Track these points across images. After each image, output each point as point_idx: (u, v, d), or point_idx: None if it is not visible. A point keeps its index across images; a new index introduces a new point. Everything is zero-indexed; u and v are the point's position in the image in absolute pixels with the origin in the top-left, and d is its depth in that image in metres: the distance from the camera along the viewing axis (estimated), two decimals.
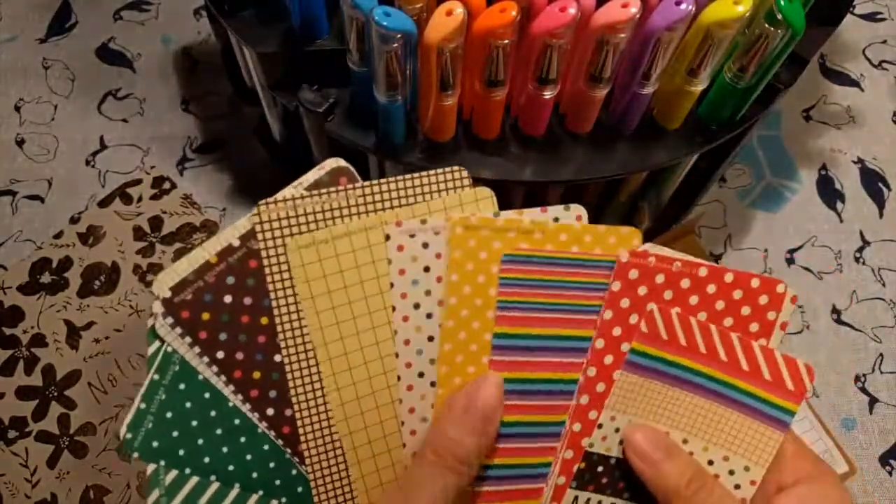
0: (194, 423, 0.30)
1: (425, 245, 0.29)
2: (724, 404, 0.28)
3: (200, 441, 0.30)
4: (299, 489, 0.30)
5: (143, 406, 0.29)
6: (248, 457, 0.30)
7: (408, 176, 0.29)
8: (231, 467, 0.30)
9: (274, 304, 0.29)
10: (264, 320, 0.29)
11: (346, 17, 0.32)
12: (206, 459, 0.30)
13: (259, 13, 0.37)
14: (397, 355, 0.29)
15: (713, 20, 0.31)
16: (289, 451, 0.30)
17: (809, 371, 0.27)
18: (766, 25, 0.32)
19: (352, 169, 0.30)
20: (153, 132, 0.55)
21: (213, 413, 0.30)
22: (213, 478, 0.30)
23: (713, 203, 0.54)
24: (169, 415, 0.29)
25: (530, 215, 0.29)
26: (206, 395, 0.30)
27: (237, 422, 0.30)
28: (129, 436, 0.29)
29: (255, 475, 0.30)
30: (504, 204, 0.29)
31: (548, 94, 0.34)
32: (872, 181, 0.55)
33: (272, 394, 0.30)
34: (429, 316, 0.29)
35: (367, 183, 0.30)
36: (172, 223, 0.51)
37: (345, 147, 0.37)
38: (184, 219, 0.51)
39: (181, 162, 0.54)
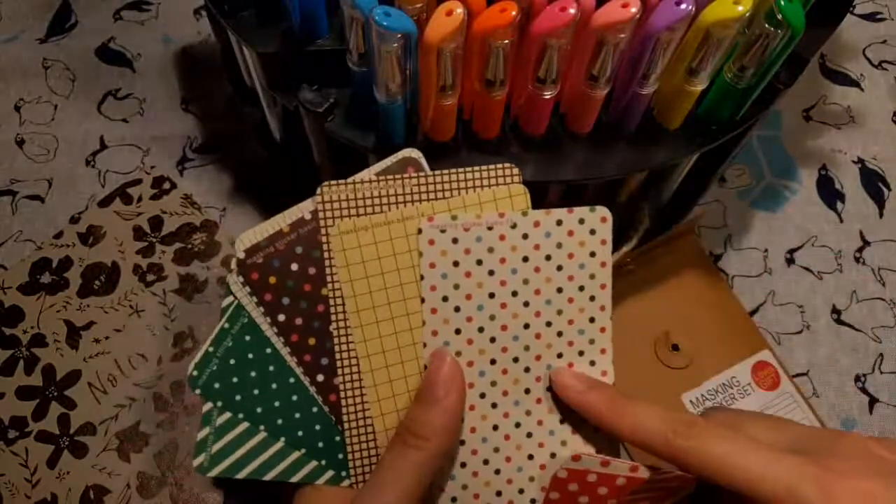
0: (253, 373, 0.31)
1: (455, 240, 0.30)
2: None
3: (256, 391, 0.31)
4: (340, 456, 0.31)
5: (210, 349, 0.31)
6: (297, 415, 0.31)
7: (461, 169, 0.31)
8: (280, 421, 0.31)
9: (328, 280, 0.31)
10: (325, 291, 0.31)
11: (346, 17, 0.32)
12: (259, 409, 0.31)
13: (259, 13, 0.37)
14: (425, 345, 0.31)
15: (713, 20, 0.31)
16: (334, 418, 0.31)
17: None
18: (766, 25, 0.32)
19: (421, 160, 0.32)
20: (153, 132, 0.55)
21: (271, 368, 0.31)
22: (261, 427, 0.31)
23: (713, 203, 0.54)
24: (232, 361, 0.31)
25: (557, 215, 0.31)
26: (268, 351, 0.31)
27: (291, 380, 0.31)
28: (195, 373, 0.31)
29: (300, 434, 0.31)
30: None
31: (548, 94, 0.34)
32: (872, 181, 0.55)
33: (324, 361, 0.31)
34: (457, 309, 0.30)
35: (423, 174, 0.31)
36: (172, 223, 0.51)
37: (345, 147, 0.37)
38: (184, 219, 0.51)
39: (181, 162, 0.54)
